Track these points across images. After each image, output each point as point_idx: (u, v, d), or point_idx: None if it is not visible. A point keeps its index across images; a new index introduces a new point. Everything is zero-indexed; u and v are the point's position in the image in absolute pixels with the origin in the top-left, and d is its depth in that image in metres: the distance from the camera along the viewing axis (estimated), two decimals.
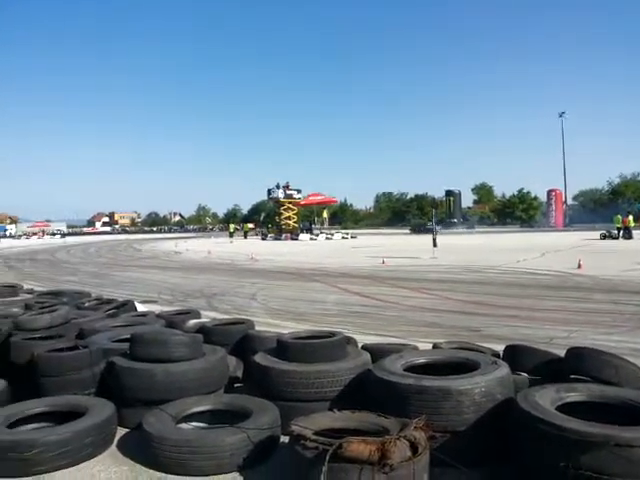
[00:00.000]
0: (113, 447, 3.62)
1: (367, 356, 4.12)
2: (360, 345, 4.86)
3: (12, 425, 3.57)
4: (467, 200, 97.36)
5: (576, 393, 3.11)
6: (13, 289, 10.61)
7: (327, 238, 46.02)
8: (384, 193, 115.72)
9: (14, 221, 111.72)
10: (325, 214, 59.28)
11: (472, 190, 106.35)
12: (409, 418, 2.85)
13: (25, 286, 11.83)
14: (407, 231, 59.21)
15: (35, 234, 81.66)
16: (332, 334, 4.34)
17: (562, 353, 3.90)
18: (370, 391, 3.48)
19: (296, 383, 3.67)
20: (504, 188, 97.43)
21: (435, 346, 4.76)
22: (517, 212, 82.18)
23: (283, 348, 4.06)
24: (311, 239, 45.49)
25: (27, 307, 7.35)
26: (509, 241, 33.70)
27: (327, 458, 2.48)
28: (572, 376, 3.57)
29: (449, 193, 74.28)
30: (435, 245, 22.37)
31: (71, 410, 3.72)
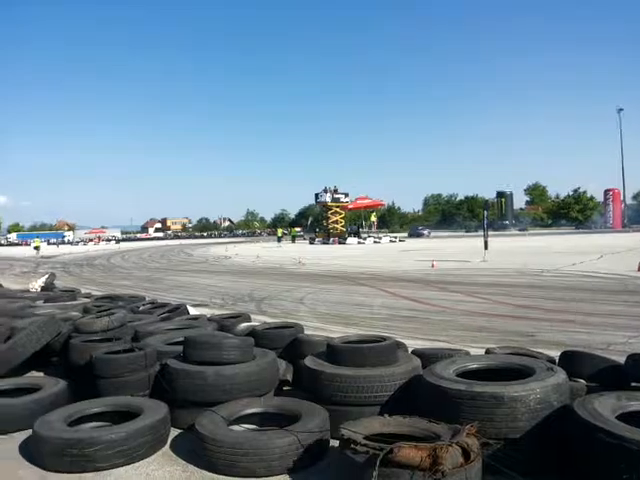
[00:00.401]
0: (167, 447, 3.71)
1: (417, 361, 4.07)
2: (410, 350, 4.81)
3: (73, 423, 3.72)
4: (519, 201, 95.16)
5: (639, 402, 2.98)
6: (72, 293, 11.07)
7: (375, 242, 45.81)
8: (433, 195, 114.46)
9: (72, 228, 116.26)
10: (373, 217, 59.01)
11: (524, 191, 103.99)
12: (461, 424, 2.80)
13: (83, 290, 12.33)
14: (457, 234, 58.25)
15: (91, 240, 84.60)
16: (382, 339, 4.31)
17: (621, 359, 3.75)
18: (421, 396, 3.44)
19: (346, 387, 3.66)
20: (558, 188, 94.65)
21: (488, 351, 4.66)
22: (572, 213, 79.63)
23: (333, 352, 4.06)
24: (359, 243, 45.40)
25: (85, 311, 7.65)
26: (564, 243, 32.68)
27: (378, 463, 2.46)
28: (633, 384, 3.43)
29: (500, 194, 72.80)
30: (486, 248, 21.90)
31: (127, 410, 3.85)
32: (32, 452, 3.56)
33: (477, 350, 5.27)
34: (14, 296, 10.75)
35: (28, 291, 12.02)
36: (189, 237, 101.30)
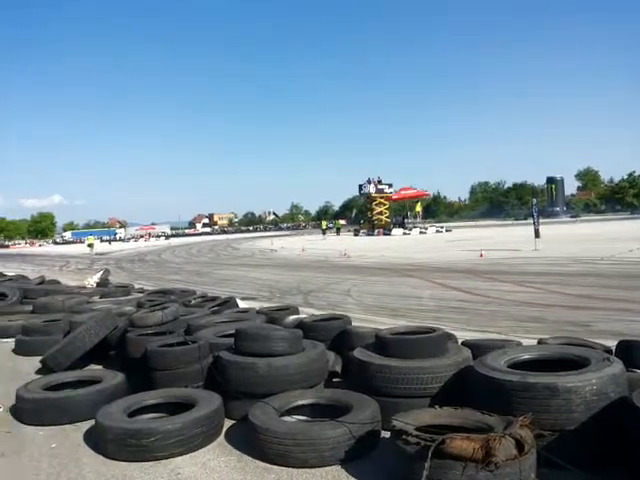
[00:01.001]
0: (221, 437, 3.81)
1: (468, 352, 4.03)
2: (460, 341, 4.76)
3: (132, 414, 3.86)
4: (570, 187, 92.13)
5: None
6: (126, 289, 11.47)
7: (421, 232, 45.36)
8: (480, 183, 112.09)
9: (123, 225, 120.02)
10: (418, 208, 58.37)
11: (576, 176, 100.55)
12: (514, 416, 2.77)
13: (136, 286, 12.74)
14: (507, 222, 56.93)
15: (142, 237, 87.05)
16: (431, 330, 4.29)
17: None
18: (472, 388, 3.41)
19: (396, 379, 3.66)
20: (612, 172, 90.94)
21: (540, 342, 4.56)
22: (628, 198, 76.53)
23: (382, 344, 4.07)
24: (404, 234, 45.03)
25: (139, 305, 7.91)
26: (619, 229, 31.47)
27: (430, 454, 2.46)
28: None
29: (550, 180, 70.75)
30: (537, 236, 21.32)
31: (182, 402, 3.96)
32: (95, 441, 3.72)
33: (529, 341, 5.15)
34: (71, 292, 11.22)
35: (84, 287, 12.51)
36: (235, 231, 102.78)
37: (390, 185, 54.58)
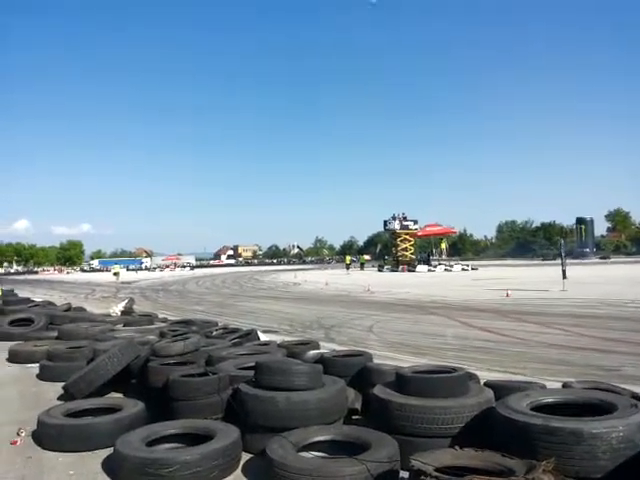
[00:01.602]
0: (238, 471, 3.78)
1: (490, 393, 3.96)
2: (483, 382, 4.68)
3: (150, 443, 3.87)
4: (600, 228, 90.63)
5: None
6: (149, 318, 11.58)
7: (446, 269, 44.88)
8: (507, 222, 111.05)
9: (149, 255, 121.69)
10: (444, 245, 57.94)
11: (606, 217, 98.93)
12: (536, 460, 2.70)
13: (159, 315, 12.85)
14: (535, 262, 56.07)
15: (167, 267, 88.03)
16: (453, 369, 4.23)
17: None
18: (493, 430, 3.34)
19: (416, 418, 3.61)
20: None
21: (565, 385, 4.45)
22: None
23: (403, 382, 4.02)
24: (429, 270, 44.63)
25: (162, 335, 7.97)
26: None
27: None
28: None
29: (580, 221, 69.70)
30: (565, 277, 20.95)
31: (201, 433, 3.96)
32: (113, 469, 3.73)
33: (554, 384, 5.04)
34: (96, 320, 11.38)
35: (109, 315, 12.68)
36: (259, 264, 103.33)
37: (415, 222, 54.44)
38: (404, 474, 3.20)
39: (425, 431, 3.59)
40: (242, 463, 3.88)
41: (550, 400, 3.54)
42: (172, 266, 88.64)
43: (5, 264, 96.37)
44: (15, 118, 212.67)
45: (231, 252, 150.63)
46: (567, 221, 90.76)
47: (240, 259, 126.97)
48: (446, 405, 3.63)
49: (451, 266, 46.78)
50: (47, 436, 4.37)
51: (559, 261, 24.68)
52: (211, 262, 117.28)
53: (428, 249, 58.95)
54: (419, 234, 55.50)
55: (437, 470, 2.69)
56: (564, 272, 21.33)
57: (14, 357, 8.30)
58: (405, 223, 53.18)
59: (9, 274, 67.99)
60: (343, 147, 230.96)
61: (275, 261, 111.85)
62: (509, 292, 17.95)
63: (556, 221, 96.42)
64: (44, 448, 4.31)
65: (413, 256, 52.98)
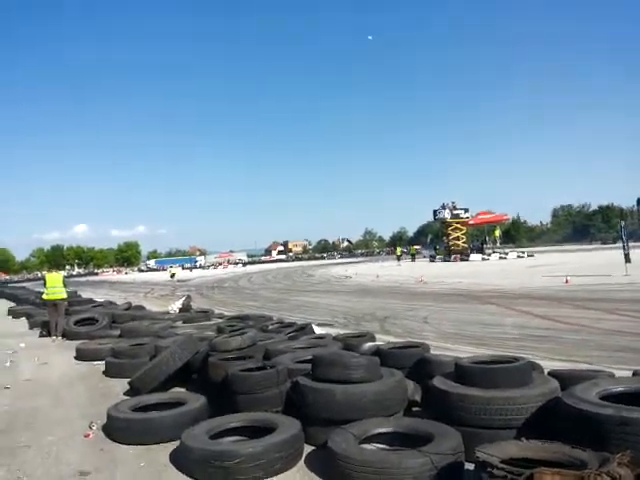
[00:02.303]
0: (301, 462, 3.82)
1: (555, 383, 3.84)
2: (546, 371, 4.55)
3: (214, 436, 3.96)
4: None
5: None
6: (207, 314, 11.85)
7: (501, 258, 43.83)
8: (562, 206, 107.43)
9: (203, 253, 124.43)
10: (497, 232, 56.56)
11: None
12: (607, 452, 2.59)
13: (216, 311, 13.13)
14: (594, 246, 53.99)
15: (220, 264, 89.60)
16: (515, 359, 4.13)
17: None
18: (560, 421, 3.24)
19: (479, 409, 3.54)
20: None
21: (636, 373, 4.27)
22: None
23: (463, 372, 3.96)
24: (483, 259, 43.72)
25: (219, 330, 8.14)
26: None
27: None
28: None
29: None
30: (628, 260, 20.05)
31: (263, 426, 4.02)
32: (180, 461, 3.84)
33: (622, 372, 4.84)
34: (156, 317, 11.75)
35: (168, 313, 13.06)
36: (309, 258, 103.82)
37: (466, 210, 53.31)
38: (468, 466, 3.15)
39: (488, 423, 3.52)
40: (304, 455, 3.92)
41: (621, 389, 3.40)
42: (225, 263, 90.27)
43: (67, 267, 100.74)
44: (73, 129, 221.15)
45: (281, 248, 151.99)
46: (626, 203, 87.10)
47: (290, 254, 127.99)
48: (509, 396, 3.54)
49: (506, 254, 45.65)
50: (116, 429, 4.55)
51: (620, 244, 23.61)
52: (262, 258, 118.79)
53: (481, 237, 57.65)
54: (471, 223, 54.31)
55: (503, 462, 2.63)
56: (627, 256, 20.44)
57: (81, 355, 8.68)
58: (455, 212, 52.14)
59: (71, 276, 70.90)
60: (391, 139, 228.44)
61: (325, 255, 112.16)
62: (568, 278, 17.34)
63: (614, 203, 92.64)
64: (114, 441, 4.50)
65: (465, 245, 51.94)
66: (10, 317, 17.18)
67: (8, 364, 8.16)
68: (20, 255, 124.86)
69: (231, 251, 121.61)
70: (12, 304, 21.99)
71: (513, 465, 2.56)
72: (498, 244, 54.24)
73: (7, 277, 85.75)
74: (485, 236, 56.52)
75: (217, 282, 35.19)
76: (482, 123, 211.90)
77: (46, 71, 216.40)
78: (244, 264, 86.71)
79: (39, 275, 63.71)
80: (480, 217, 55.01)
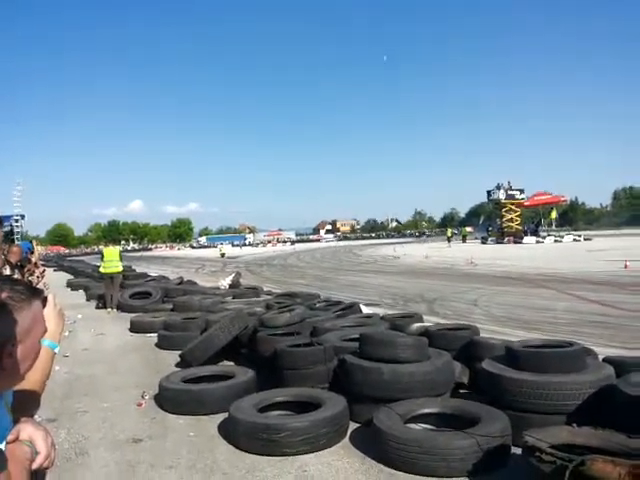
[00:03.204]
0: (346, 439, 3.86)
1: (610, 369, 3.72)
2: (601, 358, 4.41)
3: (262, 410, 4.05)
4: None
5: None
6: (255, 291, 12.06)
7: (556, 240, 42.44)
8: (624, 188, 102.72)
9: (252, 231, 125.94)
10: (553, 214, 54.67)
11: None
12: None
13: (264, 288, 13.33)
14: None
15: (269, 242, 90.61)
16: (568, 344, 4.02)
17: None
18: (615, 408, 3.14)
19: (529, 393, 3.47)
20: None
21: None
22: None
23: (514, 356, 3.88)
24: (537, 242, 42.42)
25: (268, 307, 8.28)
26: None
27: (567, 474, 2.31)
28: None
29: None
30: None
31: (309, 401, 4.08)
32: (228, 432, 3.95)
33: None
34: (206, 292, 12.04)
35: (218, 288, 13.36)
36: (357, 238, 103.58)
37: (522, 191, 51.72)
38: (516, 450, 3.11)
39: (538, 407, 3.46)
40: (349, 432, 3.96)
41: None
42: (274, 241, 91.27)
43: (122, 242, 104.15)
44: (127, 110, 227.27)
45: (329, 227, 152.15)
46: None
47: (338, 234, 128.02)
48: (562, 381, 3.46)
49: (561, 237, 44.18)
50: (168, 400, 4.72)
51: None
52: (310, 237, 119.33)
53: (536, 219, 55.92)
54: (526, 204, 52.67)
55: (552, 447, 2.57)
56: None
57: (135, 327, 9.03)
58: (511, 192, 50.69)
59: (126, 251, 73.42)
60: (441, 117, 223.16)
61: (373, 235, 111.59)
62: (628, 263, 16.64)
63: None
64: (165, 410, 4.67)
65: (519, 227, 50.53)
66: (69, 289, 18.05)
67: (67, 334, 8.56)
68: (79, 230, 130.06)
69: (280, 229, 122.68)
70: (71, 277, 23.06)
71: (562, 451, 2.50)
72: (554, 226, 52.49)
73: (66, 251, 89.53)
74: (540, 218, 54.76)
75: (266, 260, 35.62)
76: (542, 102, 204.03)
77: (100, 56, 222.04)
78: (292, 242, 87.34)
79: (96, 249, 66.14)
80: (536, 198, 53.26)
